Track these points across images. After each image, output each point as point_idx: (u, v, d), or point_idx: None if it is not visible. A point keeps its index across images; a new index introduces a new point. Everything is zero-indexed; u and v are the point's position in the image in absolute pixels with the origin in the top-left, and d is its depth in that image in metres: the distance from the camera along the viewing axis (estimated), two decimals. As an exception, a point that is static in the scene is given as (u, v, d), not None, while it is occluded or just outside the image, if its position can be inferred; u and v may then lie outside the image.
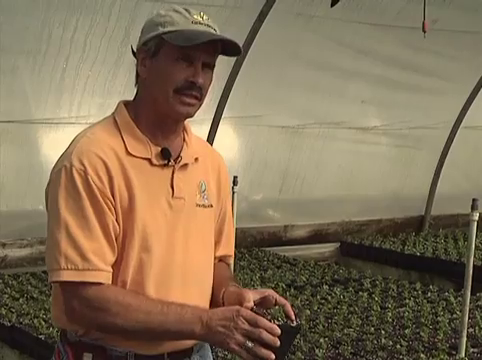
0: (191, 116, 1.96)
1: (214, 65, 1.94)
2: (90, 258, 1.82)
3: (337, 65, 7.17)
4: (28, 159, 6.03)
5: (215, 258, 2.11)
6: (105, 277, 1.84)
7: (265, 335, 1.75)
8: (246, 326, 1.76)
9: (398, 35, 7.22)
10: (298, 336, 4.55)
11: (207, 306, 2.03)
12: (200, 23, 1.89)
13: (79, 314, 1.86)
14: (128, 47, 7.06)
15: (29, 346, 4.45)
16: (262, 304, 1.94)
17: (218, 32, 1.92)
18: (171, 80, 1.89)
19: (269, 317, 1.81)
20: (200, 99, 1.93)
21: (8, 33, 5.58)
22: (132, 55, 2.00)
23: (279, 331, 1.77)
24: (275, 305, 1.95)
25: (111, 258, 1.87)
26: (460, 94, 8.03)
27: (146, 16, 6.52)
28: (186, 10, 1.92)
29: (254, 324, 1.76)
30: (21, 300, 5.18)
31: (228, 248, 2.18)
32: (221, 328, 1.77)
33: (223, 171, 2.13)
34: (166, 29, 1.89)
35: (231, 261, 2.22)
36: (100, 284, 1.83)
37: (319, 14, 6.63)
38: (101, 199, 1.84)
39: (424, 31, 5.65)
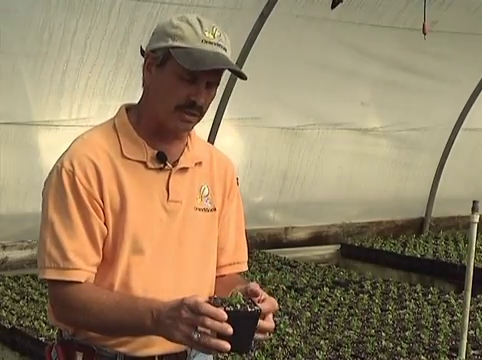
0: (189, 130, 1.98)
1: (219, 82, 1.93)
2: (70, 257, 1.85)
3: (337, 66, 7.18)
4: (28, 161, 6.03)
5: (223, 266, 2.08)
6: (84, 276, 1.87)
7: (210, 322, 1.63)
8: (188, 315, 1.66)
9: (398, 36, 7.22)
10: (299, 338, 4.55)
11: None
12: (210, 42, 1.87)
13: (54, 311, 1.93)
14: (128, 49, 7.04)
15: (30, 348, 4.45)
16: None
17: (228, 50, 1.91)
18: (173, 96, 1.89)
19: (226, 304, 1.68)
20: (200, 116, 1.93)
21: (8, 35, 5.59)
22: (140, 55, 1.99)
23: (225, 316, 1.63)
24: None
25: (94, 258, 1.89)
26: (460, 96, 8.04)
27: (145, 17, 6.55)
28: (199, 22, 1.89)
29: (196, 311, 1.65)
30: (21, 302, 5.19)
31: (238, 254, 2.13)
32: (168, 320, 1.71)
33: (230, 173, 2.11)
34: (175, 43, 1.87)
35: (244, 268, 2.14)
36: (77, 283, 1.86)
37: (319, 15, 6.63)
38: (87, 200, 1.87)
39: (424, 33, 5.66)
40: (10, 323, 4.69)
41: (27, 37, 5.67)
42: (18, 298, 5.29)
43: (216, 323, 1.64)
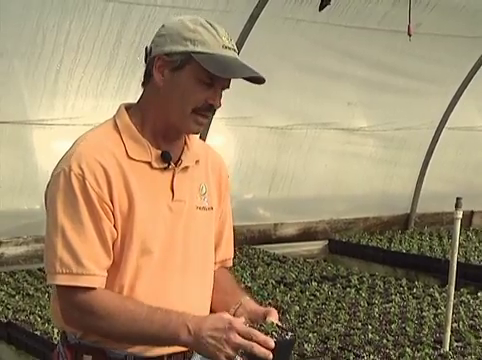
0: (199, 133, 1.96)
1: (229, 87, 1.93)
2: (84, 263, 1.80)
3: (324, 67, 7.19)
4: (23, 159, 6.00)
5: (216, 263, 2.08)
6: (98, 282, 1.83)
7: (257, 349, 1.70)
8: (239, 340, 1.71)
9: (383, 38, 7.24)
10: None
11: (207, 307, 2.01)
12: (229, 48, 1.87)
13: (70, 317, 1.86)
14: (120, 50, 7.01)
15: (25, 342, 4.44)
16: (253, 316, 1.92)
17: (237, 54, 1.91)
18: (191, 99, 1.86)
19: (263, 331, 1.76)
20: (210, 117, 1.93)
21: (3, 36, 5.57)
22: (144, 56, 1.94)
23: (273, 344, 1.71)
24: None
25: (106, 263, 1.85)
26: (444, 96, 8.06)
27: (138, 20, 6.53)
28: (213, 27, 1.87)
29: (248, 337, 1.71)
30: (17, 297, 5.17)
31: (228, 251, 2.15)
32: (211, 340, 1.72)
33: (224, 173, 2.10)
34: (197, 49, 1.84)
35: (231, 264, 2.18)
36: (93, 289, 1.82)
37: (307, 18, 6.64)
38: (98, 204, 1.82)
39: (409, 34, 5.68)
40: (6, 317, 4.67)
41: (21, 38, 5.65)
42: (14, 293, 5.27)
43: (262, 349, 1.71)
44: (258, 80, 1.92)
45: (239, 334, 1.72)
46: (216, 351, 1.72)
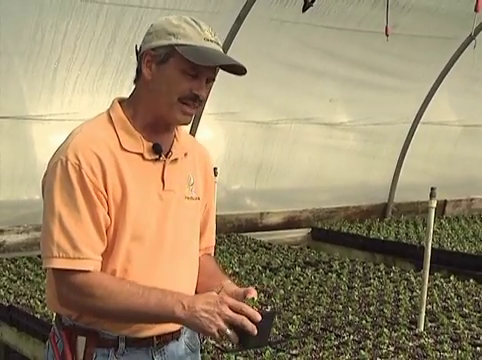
0: (187, 123, 1.95)
1: (215, 78, 1.92)
2: (80, 248, 1.80)
3: (307, 66, 7.19)
4: (23, 152, 5.97)
5: (200, 249, 2.09)
6: (94, 265, 1.83)
7: (246, 322, 1.73)
8: (230, 313, 1.73)
9: (362, 39, 7.25)
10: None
11: (193, 291, 2.01)
12: (211, 40, 1.86)
13: (68, 299, 1.86)
14: (114, 49, 6.98)
15: (26, 324, 4.43)
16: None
17: (221, 47, 1.90)
18: (177, 89, 1.86)
19: (251, 304, 1.80)
20: (198, 109, 1.92)
21: (4, 35, 5.54)
22: (135, 53, 1.95)
23: (260, 317, 1.75)
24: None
25: (101, 248, 1.85)
26: (419, 93, 8.10)
27: (131, 21, 6.50)
28: (196, 23, 1.87)
29: (238, 310, 1.74)
30: (18, 282, 5.15)
31: (211, 239, 2.17)
32: (204, 313, 1.74)
33: (209, 166, 2.12)
34: (179, 41, 1.84)
35: (213, 251, 2.20)
36: (88, 272, 1.82)
37: (291, 19, 6.64)
38: (94, 192, 1.82)
39: (387, 35, 5.70)
40: (8, 301, 4.65)
41: (21, 37, 5.62)
42: (15, 278, 5.26)
43: (250, 323, 1.73)
44: (239, 70, 1.90)
45: (230, 308, 1.74)
46: (209, 324, 1.73)
